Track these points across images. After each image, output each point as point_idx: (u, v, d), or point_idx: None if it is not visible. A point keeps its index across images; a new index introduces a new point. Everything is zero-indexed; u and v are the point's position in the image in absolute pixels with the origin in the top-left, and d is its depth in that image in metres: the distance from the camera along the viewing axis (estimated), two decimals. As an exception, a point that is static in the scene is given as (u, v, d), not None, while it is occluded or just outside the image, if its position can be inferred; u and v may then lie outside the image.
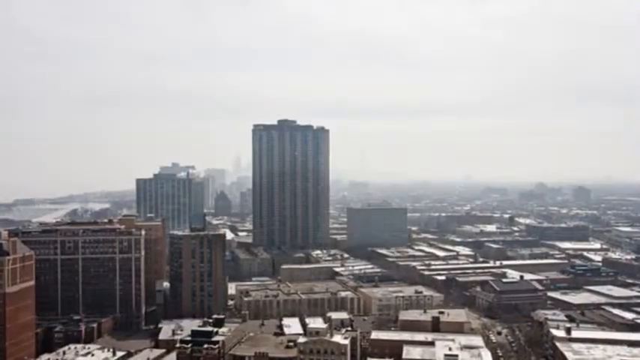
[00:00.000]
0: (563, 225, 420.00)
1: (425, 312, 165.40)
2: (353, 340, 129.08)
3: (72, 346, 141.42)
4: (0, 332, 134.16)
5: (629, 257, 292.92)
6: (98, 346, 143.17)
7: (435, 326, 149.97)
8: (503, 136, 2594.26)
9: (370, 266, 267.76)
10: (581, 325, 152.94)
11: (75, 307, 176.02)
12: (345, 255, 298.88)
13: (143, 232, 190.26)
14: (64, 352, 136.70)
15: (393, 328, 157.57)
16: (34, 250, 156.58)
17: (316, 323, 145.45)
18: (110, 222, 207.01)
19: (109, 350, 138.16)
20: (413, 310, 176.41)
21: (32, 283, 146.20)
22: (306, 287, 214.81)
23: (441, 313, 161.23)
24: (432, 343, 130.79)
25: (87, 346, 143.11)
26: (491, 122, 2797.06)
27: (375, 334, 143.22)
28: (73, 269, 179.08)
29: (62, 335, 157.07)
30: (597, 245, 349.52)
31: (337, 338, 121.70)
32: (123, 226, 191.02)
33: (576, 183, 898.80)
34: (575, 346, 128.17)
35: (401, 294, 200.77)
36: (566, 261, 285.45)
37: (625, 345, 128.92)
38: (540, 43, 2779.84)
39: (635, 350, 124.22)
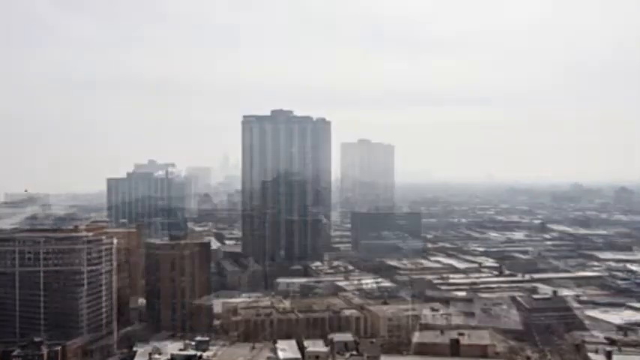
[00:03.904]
0: (603, 232, 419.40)
1: (442, 333, 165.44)
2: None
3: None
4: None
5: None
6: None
7: (455, 350, 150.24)
8: (531, 129, 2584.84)
9: (378, 280, 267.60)
10: (623, 348, 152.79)
11: (36, 327, 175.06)
12: (350, 267, 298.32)
13: (115, 241, 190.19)
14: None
15: (405, 353, 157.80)
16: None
17: (316, 346, 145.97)
18: (76, 229, 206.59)
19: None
20: (428, 331, 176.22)
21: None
22: (304, 304, 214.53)
23: (461, 334, 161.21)
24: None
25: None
26: (516, 113, 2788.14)
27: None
28: (33, 284, 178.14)
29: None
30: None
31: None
32: (91, 234, 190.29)
33: (618, 183, 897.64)
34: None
35: (414, 312, 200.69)
36: (606, 274, 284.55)
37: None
38: (579, 20, 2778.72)
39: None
